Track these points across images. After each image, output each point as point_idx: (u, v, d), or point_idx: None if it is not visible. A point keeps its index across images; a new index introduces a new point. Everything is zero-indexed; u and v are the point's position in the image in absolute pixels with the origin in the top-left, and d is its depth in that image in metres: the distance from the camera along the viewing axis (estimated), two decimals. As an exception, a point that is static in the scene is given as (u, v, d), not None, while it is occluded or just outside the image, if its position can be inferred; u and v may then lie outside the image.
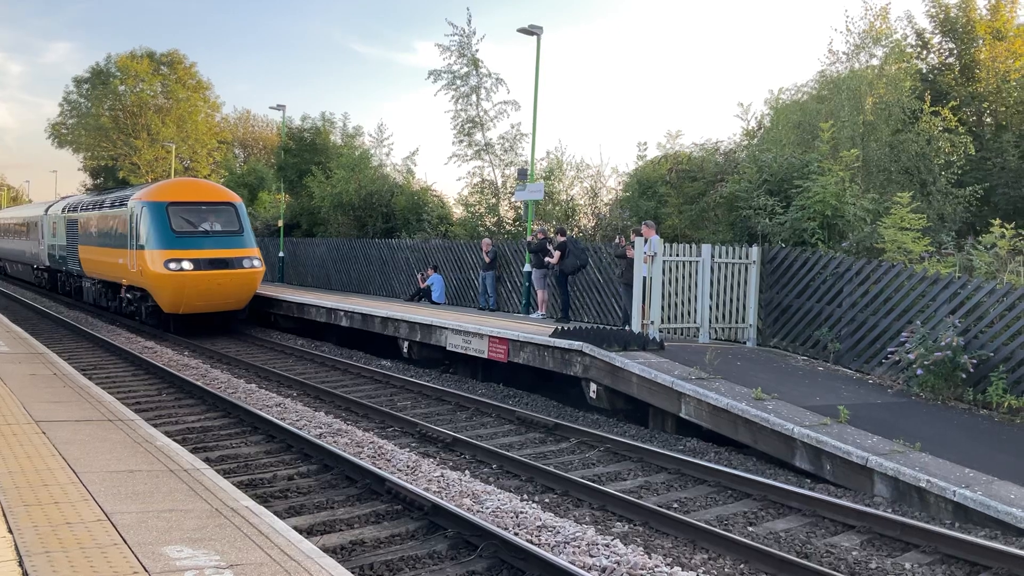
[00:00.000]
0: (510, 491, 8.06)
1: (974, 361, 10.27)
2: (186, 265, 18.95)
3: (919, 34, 20.66)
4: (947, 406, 10.30)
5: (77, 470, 6.24)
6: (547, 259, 16.39)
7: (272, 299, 22.05)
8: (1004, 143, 18.41)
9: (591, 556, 6.18)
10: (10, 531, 4.82)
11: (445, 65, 23.88)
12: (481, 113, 23.92)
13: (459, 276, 21.10)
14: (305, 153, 31.32)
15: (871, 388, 11.11)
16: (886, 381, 11.40)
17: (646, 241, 13.10)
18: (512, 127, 23.95)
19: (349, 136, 33.01)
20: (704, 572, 6.21)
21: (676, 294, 13.47)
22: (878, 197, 14.98)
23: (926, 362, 10.52)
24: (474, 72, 23.69)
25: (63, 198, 33.86)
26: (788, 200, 14.76)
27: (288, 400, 12.23)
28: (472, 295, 20.50)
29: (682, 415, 10.60)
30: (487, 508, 7.26)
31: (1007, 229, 11.94)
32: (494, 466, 9.14)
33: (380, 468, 8.37)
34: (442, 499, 7.33)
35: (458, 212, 25.60)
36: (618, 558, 6.09)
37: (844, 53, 18.53)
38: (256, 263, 20.11)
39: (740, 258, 13.75)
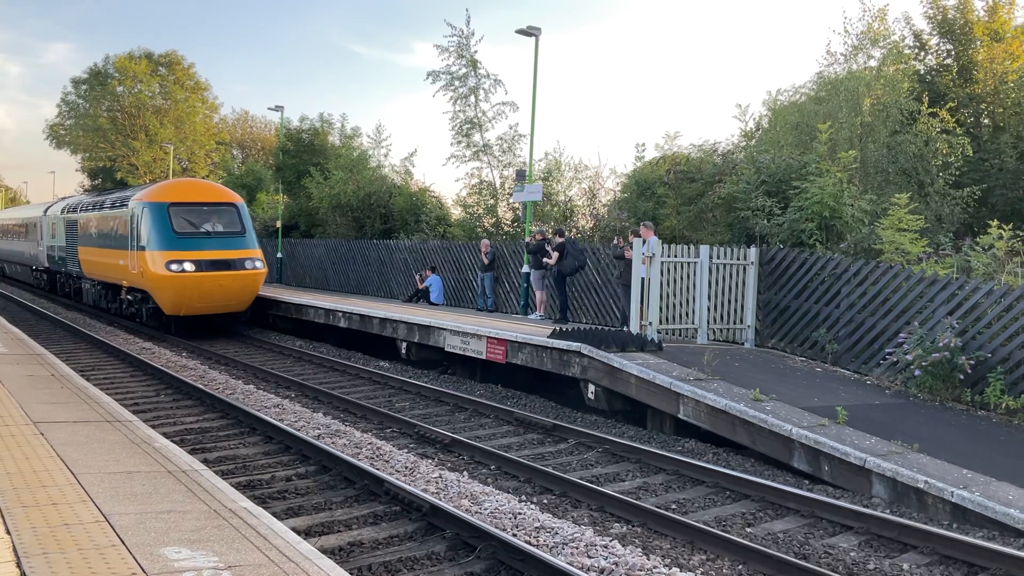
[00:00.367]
0: (508, 492, 8.07)
1: (972, 362, 10.28)
2: (188, 266, 18.84)
3: (917, 35, 20.68)
4: (945, 407, 10.31)
5: (75, 471, 6.24)
6: (545, 260, 16.40)
7: (270, 300, 22.04)
8: (1002, 144, 18.44)
9: (589, 557, 6.18)
10: (8, 532, 4.82)
11: (444, 66, 23.96)
12: (479, 114, 23.96)
13: (457, 277, 21.10)
14: (303, 154, 31.32)
15: (869, 389, 11.12)
16: (884, 382, 11.41)
17: (644, 242, 13.11)
18: (510, 128, 24.03)
19: (347, 137, 33.02)
20: (702, 573, 6.22)
21: (674, 295, 13.48)
22: (876, 198, 14.99)
23: (924, 363, 10.53)
24: (472, 73, 23.72)
25: (62, 199, 33.83)
26: (786, 201, 14.78)
27: (286, 401, 12.23)
28: (470, 296, 20.50)
29: (680, 416, 10.61)
30: (485, 509, 7.27)
31: (1005, 230, 11.96)
32: (492, 467, 9.14)
33: (378, 469, 8.37)
34: (440, 500, 7.33)
35: (456, 213, 25.62)
36: (616, 559, 6.10)
37: (842, 54, 18.55)
38: (259, 264, 20.03)
39: (738, 259, 13.76)
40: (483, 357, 14.37)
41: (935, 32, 20.43)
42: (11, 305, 26.99)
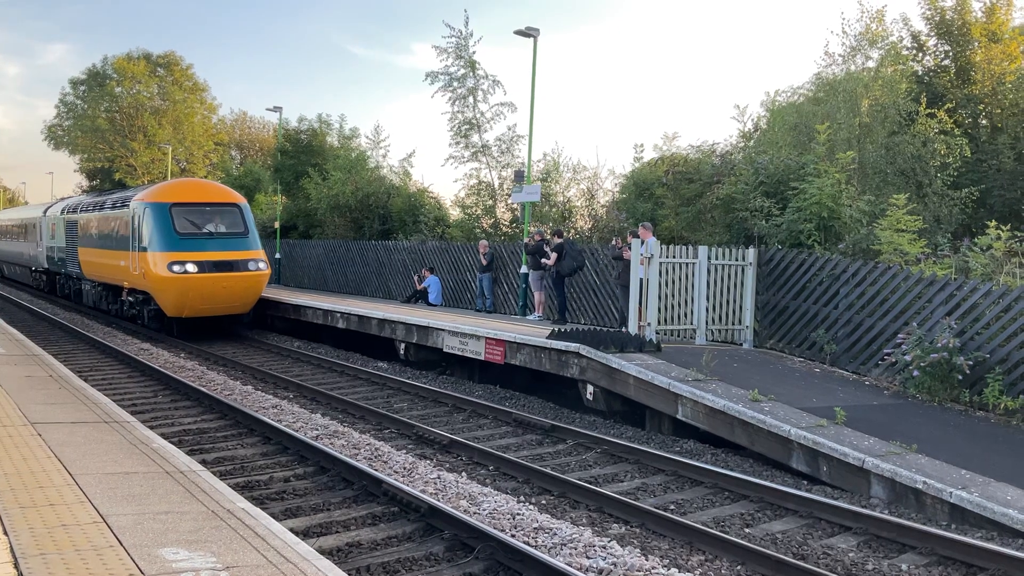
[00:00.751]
0: (507, 493, 8.06)
1: (970, 363, 10.28)
2: (190, 267, 18.68)
3: (915, 36, 20.67)
4: (943, 408, 10.32)
5: (73, 472, 6.23)
6: (544, 261, 16.40)
7: (269, 301, 22.02)
8: (1000, 145, 18.44)
9: (588, 558, 6.18)
10: (5, 533, 4.81)
11: (442, 67, 23.95)
12: (478, 115, 23.96)
13: (456, 278, 21.09)
14: (302, 155, 31.28)
15: (868, 390, 11.12)
16: (882, 383, 11.41)
17: (643, 243, 13.11)
18: (509, 129, 24.04)
19: (346, 138, 32.98)
20: (701, 574, 6.22)
21: (673, 296, 13.48)
22: (874, 199, 14.99)
23: (922, 364, 10.53)
24: (471, 74, 23.71)
25: (62, 199, 33.81)
26: (784, 202, 14.78)
27: (285, 402, 12.21)
28: (469, 297, 20.49)
29: (679, 417, 10.61)
30: (484, 510, 7.26)
31: (1003, 231, 11.97)
32: (491, 468, 9.13)
33: (377, 470, 8.36)
34: (439, 501, 7.33)
35: (455, 214, 25.61)
36: (615, 560, 6.10)
37: (840, 55, 18.55)
38: (262, 265, 19.92)
39: (736, 260, 13.76)
40: (481, 358, 14.36)
41: (933, 33, 20.43)
42: (9, 306, 26.96)
